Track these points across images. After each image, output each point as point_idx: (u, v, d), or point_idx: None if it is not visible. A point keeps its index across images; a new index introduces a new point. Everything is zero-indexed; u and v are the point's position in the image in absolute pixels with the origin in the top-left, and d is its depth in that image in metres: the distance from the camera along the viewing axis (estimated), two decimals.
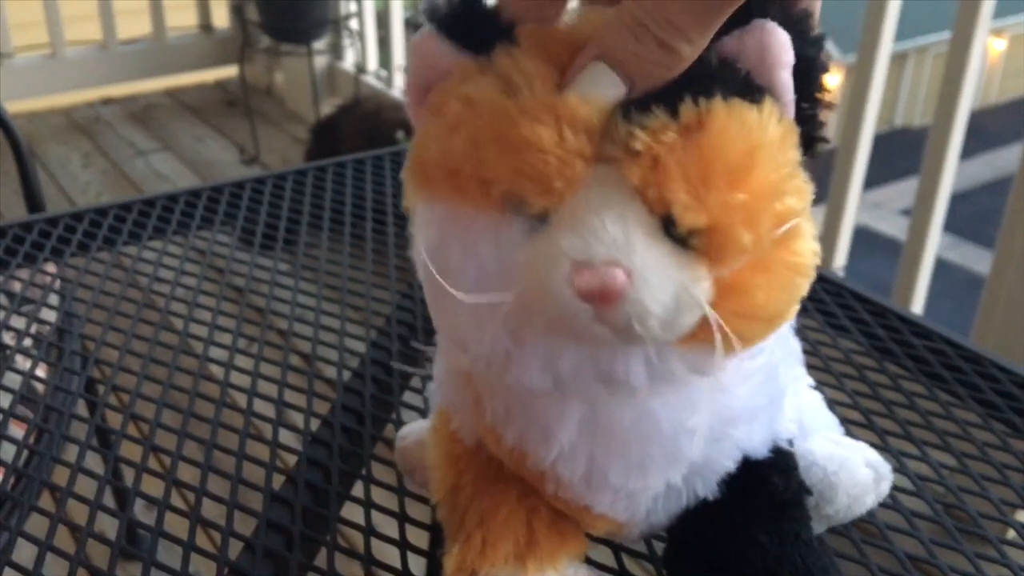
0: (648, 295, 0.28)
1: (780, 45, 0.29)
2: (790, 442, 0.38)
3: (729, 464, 0.35)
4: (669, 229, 0.28)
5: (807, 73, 0.30)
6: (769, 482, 0.36)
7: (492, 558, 0.36)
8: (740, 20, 0.29)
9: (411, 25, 2.49)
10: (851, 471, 0.41)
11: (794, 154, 0.30)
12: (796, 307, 0.31)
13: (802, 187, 0.29)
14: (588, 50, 0.29)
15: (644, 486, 0.35)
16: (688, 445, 0.34)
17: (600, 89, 0.28)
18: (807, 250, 0.30)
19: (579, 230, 0.28)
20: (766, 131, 0.29)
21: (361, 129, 2.14)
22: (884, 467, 0.42)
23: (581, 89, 0.28)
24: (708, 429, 0.34)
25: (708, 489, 0.35)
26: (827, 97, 0.31)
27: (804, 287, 0.30)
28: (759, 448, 0.36)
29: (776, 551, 0.36)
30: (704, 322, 0.29)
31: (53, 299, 0.68)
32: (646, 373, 0.31)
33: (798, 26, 0.30)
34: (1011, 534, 0.46)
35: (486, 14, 0.30)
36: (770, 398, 0.36)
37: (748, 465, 0.36)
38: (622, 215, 0.28)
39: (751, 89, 0.29)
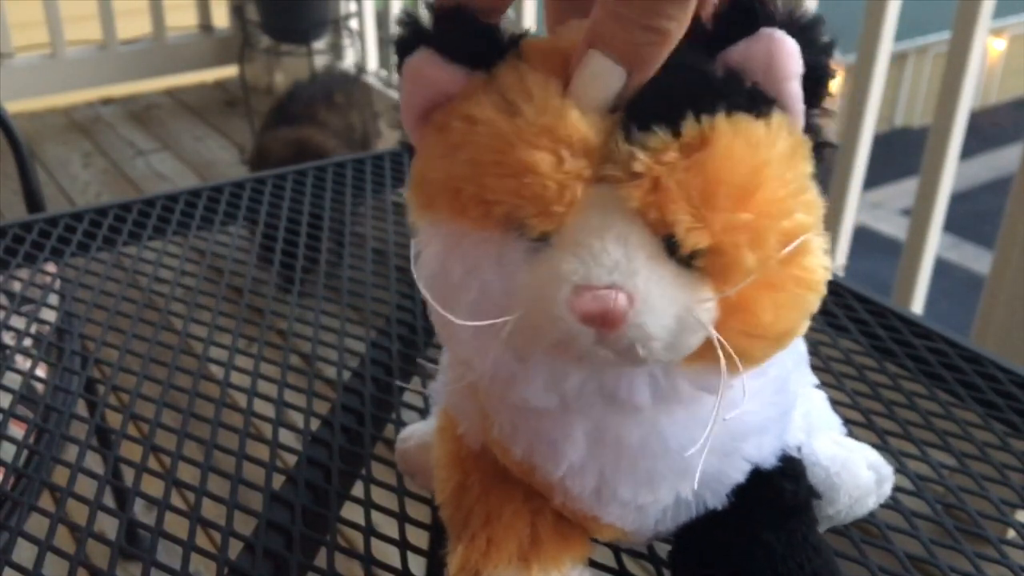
0: (651, 319, 0.27)
1: (788, 55, 0.29)
2: (798, 448, 0.38)
3: (739, 476, 0.35)
4: (672, 250, 0.28)
5: (816, 81, 0.30)
6: (778, 489, 0.36)
7: (496, 558, 0.36)
8: (747, 27, 0.29)
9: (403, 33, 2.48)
10: (853, 472, 0.41)
11: (805, 167, 0.29)
12: (806, 324, 0.30)
13: (812, 201, 0.29)
14: (581, 44, 0.28)
15: (654, 500, 0.35)
16: (698, 461, 0.33)
17: (600, 79, 0.28)
18: (817, 265, 0.29)
19: (580, 253, 0.27)
20: (773, 147, 0.28)
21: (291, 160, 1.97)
22: (886, 469, 0.42)
23: (582, 82, 0.28)
24: (719, 444, 0.33)
25: (717, 500, 0.35)
26: (832, 103, 0.30)
27: (815, 303, 0.30)
28: (768, 458, 0.36)
29: (783, 551, 0.36)
30: (710, 341, 0.28)
31: (53, 299, 0.68)
32: (651, 392, 0.30)
33: (807, 32, 0.29)
34: (1011, 534, 0.46)
35: (479, 26, 0.30)
36: (781, 410, 0.36)
37: (757, 474, 0.36)
38: (623, 237, 0.27)
39: (758, 102, 0.28)
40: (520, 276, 0.29)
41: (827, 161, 0.31)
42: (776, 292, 0.29)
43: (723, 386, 0.30)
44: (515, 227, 0.29)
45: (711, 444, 0.33)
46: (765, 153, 0.28)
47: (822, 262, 0.30)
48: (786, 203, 0.28)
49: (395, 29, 0.31)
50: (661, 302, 0.27)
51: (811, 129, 0.30)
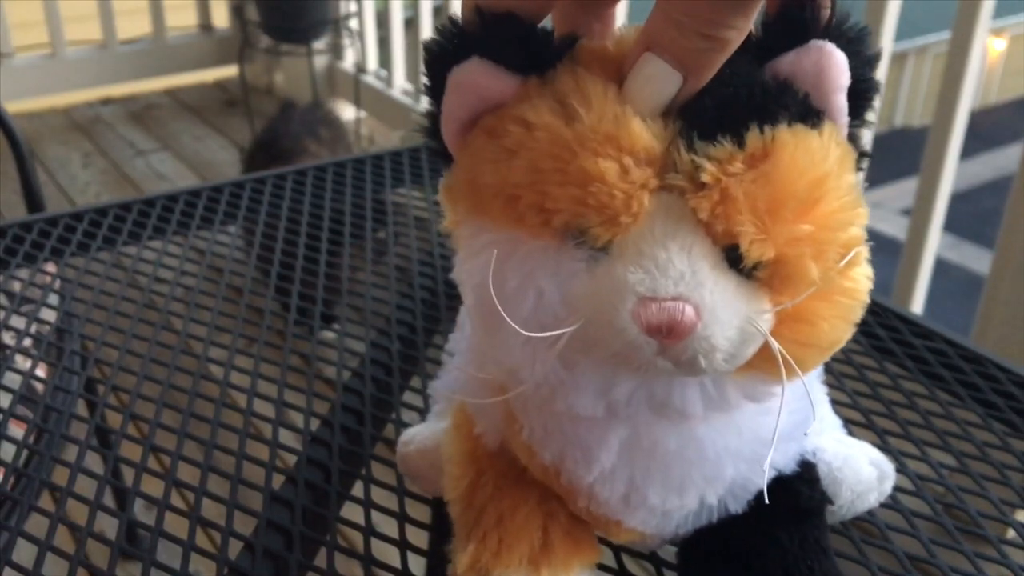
0: (716, 330, 0.27)
1: (838, 68, 0.29)
2: (813, 453, 0.38)
3: (761, 482, 0.35)
4: (734, 261, 0.27)
5: (860, 93, 0.30)
6: (796, 492, 0.37)
7: (507, 560, 0.35)
8: (796, 37, 0.29)
9: (413, 25, 2.48)
10: (855, 468, 0.41)
11: (852, 177, 0.29)
12: (852, 333, 0.30)
13: (863, 213, 0.29)
14: (636, 46, 0.28)
15: (680, 505, 0.34)
16: (729, 467, 0.34)
17: (655, 82, 0.28)
18: (862, 276, 0.30)
19: (644, 263, 0.27)
20: (828, 158, 0.28)
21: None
22: (888, 466, 0.42)
23: (636, 84, 0.28)
24: (750, 452, 0.34)
25: (739, 505, 0.36)
26: (872, 115, 0.30)
27: (860, 313, 0.30)
28: (789, 463, 0.36)
29: (796, 552, 0.36)
30: (760, 350, 0.28)
31: (53, 299, 0.68)
32: (702, 402, 0.30)
33: (854, 45, 0.29)
34: (1011, 534, 0.46)
35: (530, 30, 0.29)
36: (804, 415, 0.36)
37: (777, 478, 0.36)
38: (687, 248, 0.27)
39: (811, 112, 0.28)
40: (579, 286, 0.28)
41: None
42: (829, 302, 0.29)
43: (783, 395, 0.30)
44: (574, 236, 0.28)
45: (743, 452, 0.33)
46: (823, 165, 0.28)
47: (866, 272, 0.30)
48: (842, 215, 0.28)
49: (430, 36, 0.30)
50: (726, 314, 0.27)
51: (852, 139, 0.30)
